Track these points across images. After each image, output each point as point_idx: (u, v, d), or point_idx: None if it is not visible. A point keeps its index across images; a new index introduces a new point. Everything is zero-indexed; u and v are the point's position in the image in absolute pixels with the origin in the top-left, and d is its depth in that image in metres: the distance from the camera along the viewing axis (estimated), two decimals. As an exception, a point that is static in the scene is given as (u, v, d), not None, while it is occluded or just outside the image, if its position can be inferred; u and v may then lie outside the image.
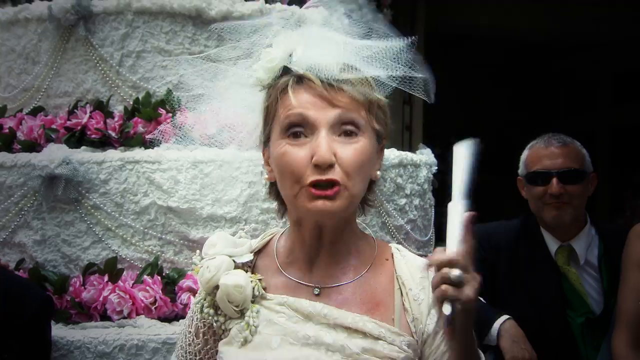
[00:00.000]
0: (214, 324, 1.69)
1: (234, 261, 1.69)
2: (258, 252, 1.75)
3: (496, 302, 2.99)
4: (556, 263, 3.05)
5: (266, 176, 1.70)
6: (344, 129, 1.57)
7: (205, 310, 1.69)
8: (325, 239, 1.65)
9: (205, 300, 1.70)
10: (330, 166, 1.54)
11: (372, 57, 1.61)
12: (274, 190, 1.71)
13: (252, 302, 1.65)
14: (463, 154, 1.56)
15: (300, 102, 1.57)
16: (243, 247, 1.71)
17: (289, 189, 1.58)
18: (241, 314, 1.65)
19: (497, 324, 2.81)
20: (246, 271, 1.69)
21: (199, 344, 1.74)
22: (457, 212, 1.52)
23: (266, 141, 1.67)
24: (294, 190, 1.57)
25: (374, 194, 1.74)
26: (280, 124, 1.59)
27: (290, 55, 1.62)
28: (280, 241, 1.75)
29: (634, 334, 2.69)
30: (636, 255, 2.73)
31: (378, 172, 1.69)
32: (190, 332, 1.76)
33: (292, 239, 1.71)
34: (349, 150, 1.56)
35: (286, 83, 1.60)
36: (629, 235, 2.80)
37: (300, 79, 1.59)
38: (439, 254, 1.47)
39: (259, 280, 1.67)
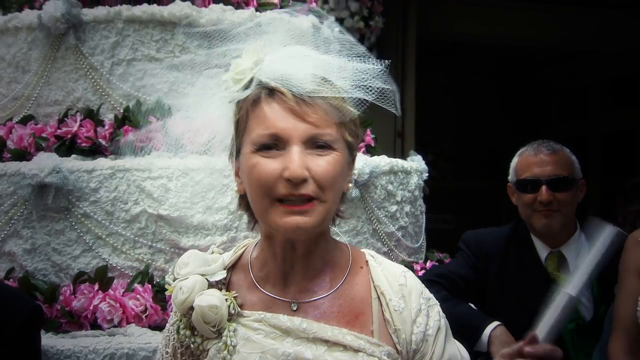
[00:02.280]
0: (192, 345, 1.66)
1: (207, 280, 1.66)
2: (232, 267, 1.72)
3: (487, 308, 2.99)
4: (546, 269, 3.06)
5: (236, 189, 1.66)
6: (317, 143, 1.54)
7: (182, 332, 1.66)
8: (298, 252, 1.63)
9: (180, 321, 1.67)
10: (303, 181, 1.51)
11: (344, 74, 1.58)
12: (243, 202, 1.67)
13: (229, 320, 1.62)
14: (603, 243, 1.49)
15: (272, 116, 1.54)
16: (216, 264, 1.68)
17: (260, 202, 1.55)
18: (218, 333, 1.62)
19: (487, 330, 2.81)
20: (220, 289, 1.66)
21: None
22: (565, 304, 1.49)
23: (237, 153, 1.63)
24: (265, 203, 1.54)
25: (343, 205, 1.71)
26: (252, 140, 1.56)
27: (260, 66, 1.59)
28: (254, 253, 1.72)
29: (630, 340, 2.69)
30: (633, 262, 2.73)
31: (350, 184, 1.67)
32: (167, 352, 1.73)
33: (264, 252, 1.68)
34: (322, 164, 1.54)
35: (257, 96, 1.57)
36: (627, 243, 2.79)
37: (272, 92, 1.56)
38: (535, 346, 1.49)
39: (234, 297, 1.64)
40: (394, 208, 3.37)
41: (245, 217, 2.94)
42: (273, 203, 1.53)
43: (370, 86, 1.59)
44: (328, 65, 1.59)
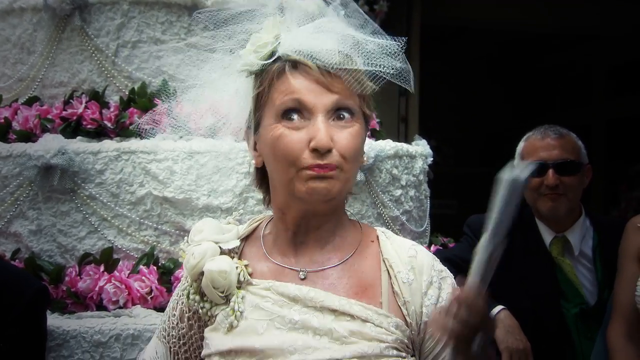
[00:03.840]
0: (200, 310, 1.68)
1: (220, 247, 1.68)
2: (246, 238, 1.74)
3: (491, 293, 2.99)
4: (550, 254, 3.06)
5: (253, 161, 1.68)
6: (339, 114, 1.58)
7: (192, 297, 1.68)
8: (311, 226, 1.65)
9: (191, 287, 1.69)
10: (328, 151, 1.54)
11: (367, 50, 1.61)
12: (258, 176, 1.71)
13: (238, 287, 1.64)
14: (508, 184, 1.46)
15: (297, 87, 1.57)
16: (230, 233, 1.70)
17: (284, 172, 1.57)
18: (226, 299, 1.64)
19: (491, 314, 2.81)
20: (232, 257, 1.68)
21: (183, 328, 1.74)
22: (485, 250, 1.50)
23: (256, 127, 1.65)
24: (290, 174, 1.56)
25: (355, 183, 1.73)
26: (276, 109, 1.58)
27: (279, 39, 1.62)
28: (267, 227, 1.74)
29: (629, 325, 2.71)
30: (633, 247, 2.74)
31: (365, 157, 1.70)
32: (174, 315, 1.76)
33: (276, 225, 1.70)
34: (346, 135, 1.57)
35: (281, 68, 1.60)
36: (626, 228, 2.80)
37: (295, 65, 1.59)
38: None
39: (245, 266, 1.66)
40: (398, 192, 3.37)
41: (250, 201, 2.99)
42: (299, 172, 1.55)
43: (388, 64, 1.61)
44: (351, 39, 1.61)
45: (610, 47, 8.93)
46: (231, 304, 1.63)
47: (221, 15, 1.73)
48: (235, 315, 1.61)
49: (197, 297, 1.68)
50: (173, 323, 1.76)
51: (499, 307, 2.84)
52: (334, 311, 1.59)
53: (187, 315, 1.73)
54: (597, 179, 3.31)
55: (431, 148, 3.78)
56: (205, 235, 1.69)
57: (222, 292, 1.64)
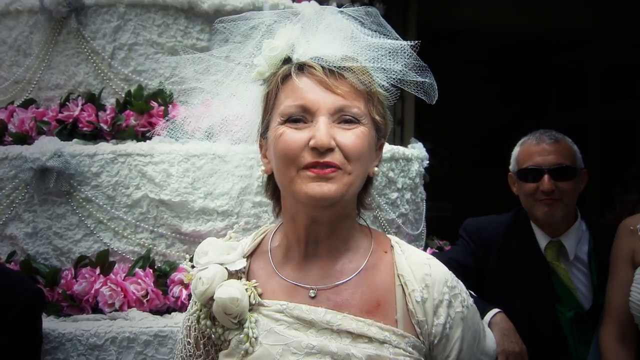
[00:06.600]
0: (213, 335, 1.65)
1: (227, 269, 1.65)
2: (251, 254, 1.71)
3: (487, 296, 3.01)
4: (545, 258, 3.06)
5: (263, 168, 1.67)
6: (344, 117, 1.57)
7: (202, 321, 1.66)
8: (322, 234, 1.62)
9: (201, 311, 1.66)
10: (329, 150, 1.53)
11: (375, 54, 1.62)
12: (270, 185, 1.69)
13: (250, 310, 1.61)
14: None
15: (302, 87, 1.57)
16: (235, 252, 1.67)
17: (285, 173, 1.56)
18: (239, 324, 1.61)
19: (487, 317, 2.82)
20: (240, 278, 1.65)
21: (200, 355, 1.71)
22: None
23: (264, 131, 1.65)
24: (290, 173, 1.55)
25: (369, 195, 1.71)
26: (280, 112, 1.58)
27: (292, 46, 1.63)
28: (275, 240, 1.71)
29: (621, 328, 2.72)
30: (624, 249, 2.75)
31: (376, 169, 1.66)
32: (189, 342, 1.72)
33: (287, 236, 1.67)
34: (349, 135, 1.56)
35: (287, 70, 1.61)
36: (618, 230, 2.81)
37: (301, 67, 1.60)
38: None
39: (255, 287, 1.64)
40: (394, 195, 3.37)
41: (246, 204, 2.99)
42: (299, 172, 1.54)
43: (396, 67, 1.63)
44: (360, 44, 1.62)
45: (605, 50, 8.95)
46: (245, 329, 1.60)
47: (242, 28, 1.73)
48: (250, 342, 1.59)
49: (209, 322, 1.65)
50: (190, 351, 1.72)
51: (494, 310, 2.85)
52: (350, 333, 1.57)
53: (202, 341, 1.70)
54: (592, 181, 3.32)
55: (427, 151, 3.79)
56: (211, 258, 1.66)
57: (235, 318, 1.61)
